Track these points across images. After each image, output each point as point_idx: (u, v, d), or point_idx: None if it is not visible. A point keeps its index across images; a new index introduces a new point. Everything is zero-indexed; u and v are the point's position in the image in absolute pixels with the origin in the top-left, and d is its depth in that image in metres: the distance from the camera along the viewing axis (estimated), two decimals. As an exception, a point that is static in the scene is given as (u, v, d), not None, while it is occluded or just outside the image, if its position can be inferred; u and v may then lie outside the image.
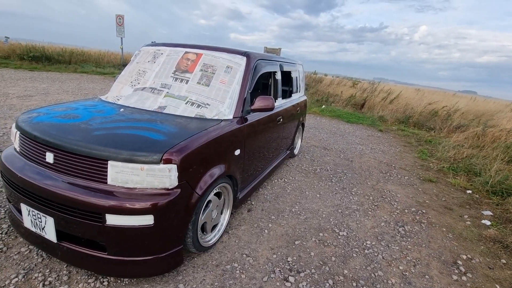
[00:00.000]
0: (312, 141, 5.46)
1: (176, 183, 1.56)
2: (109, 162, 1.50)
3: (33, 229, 1.68)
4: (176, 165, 1.53)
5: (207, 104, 2.17)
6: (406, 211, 2.98)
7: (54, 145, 1.60)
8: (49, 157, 1.62)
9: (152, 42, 2.87)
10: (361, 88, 13.44)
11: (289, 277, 1.85)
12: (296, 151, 4.37)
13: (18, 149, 1.85)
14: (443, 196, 3.47)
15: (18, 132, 1.83)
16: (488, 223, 2.82)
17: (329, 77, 17.88)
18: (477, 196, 3.53)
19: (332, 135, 6.19)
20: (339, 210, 2.84)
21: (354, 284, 1.87)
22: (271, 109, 2.41)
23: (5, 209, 2.22)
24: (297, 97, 4.02)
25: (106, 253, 1.56)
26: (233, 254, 2.01)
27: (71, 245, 1.60)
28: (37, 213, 1.61)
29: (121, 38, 17.86)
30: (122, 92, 2.42)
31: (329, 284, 1.83)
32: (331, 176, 3.75)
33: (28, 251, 1.85)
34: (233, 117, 2.16)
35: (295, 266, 1.96)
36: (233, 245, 2.12)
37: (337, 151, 4.98)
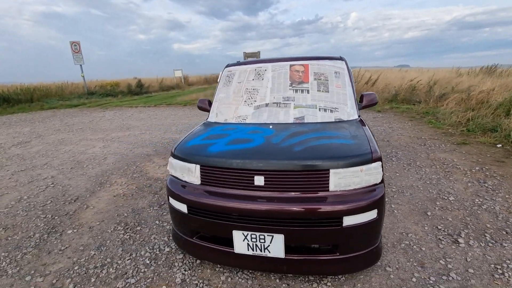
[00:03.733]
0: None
1: (381, 177, 1.75)
2: (330, 170, 1.64)
3: (249, 252, 1.74)
4: (381, 162, 1.73)
5: (335, 108, 2.37)
6: (474, 170, 3.48)
7: (264, 169, 1.69)
8: (259, 181, 1.71)
9: (237, 61, 2.97)
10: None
11: (458, 238, 2.15)
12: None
13: (198, 182, 1.87)
14: (486, 153, 4.07)
15: (198, 166, 1.85)
16: (539, 165, 3.44)
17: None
18: (509, 148, 4.21)
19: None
20: (427, 182, 3.22)
21: (504, 232, 2.23)
22: (376, 103, 2.69)
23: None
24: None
25: (337, 254, 1.70)
26: (387, 232, 2.26)
27: (299, 256, 1.71)
28: (259, 235, 1.69)
29: (81, 65, 16.79)
30: (240, 112, 2.50)
31: (486, 237, 2.17)
32: (389, 156, 4.15)
33: (229, 278, 1.89)
34: (357, 116, 2.40)
35: (449, 231, 2.27)
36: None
37: (368, 135, 5.44)
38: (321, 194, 1.66)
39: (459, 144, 4.57)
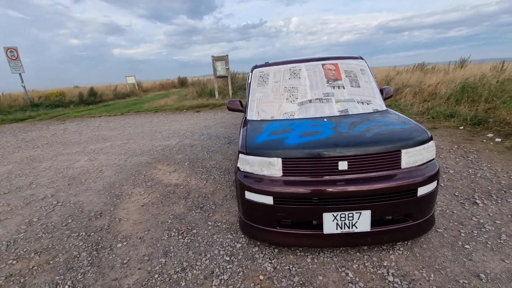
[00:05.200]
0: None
1: (435, 153, 2.10)
2: (402, 150, 1.94)
3: (337, 231, 1.93)
4: (433, 140, 2.09)
5: (369, 101, 2.70)
6: (454, 148, 4.19)
7: (347, 155, 1.90)
8: (343, 165, 1.92)
9: (266, 62, 3.11)
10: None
11: (476, 200, 2.66)
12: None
13: (280, 174, 1.99)
14: (455, 134, 4.89)
15: (280, 159, 1.98)
16: (499, 139, 4.30)
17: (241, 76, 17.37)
18: (469, 128, 5.12)
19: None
20: (425, 161, 3.79)
21: (503, 191, 2.81)
22: (392, 96, 3.11)
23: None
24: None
25: (410, 221, 1.99)
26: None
27: (382, 227, 1.96)
28: (348, 214, 1.89)
29: (20, 74, 14.87)
30: (285, 109, 2.66)
31: (493, 197, 2.71)
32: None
33: (314, 258, 2.05)
34: (385, 107, 2.77)
35: (465, 196, 2.78)
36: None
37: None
38: (395, 171, 1.94)
39: (430, 129, 5.39)
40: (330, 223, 1.92)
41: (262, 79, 2.96)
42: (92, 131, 7.99)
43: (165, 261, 2.16)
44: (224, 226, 2.58)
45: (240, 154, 2.16)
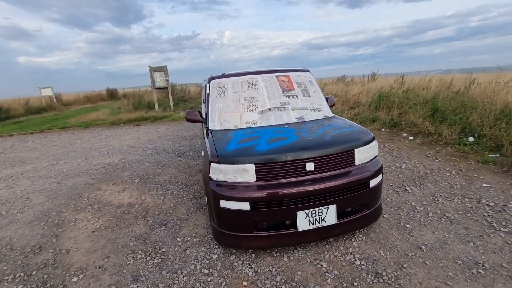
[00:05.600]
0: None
1: (377, 151, 2.50)
2: (355, 150, 2.26)
3: (310, 227, 2.12)
4: (375, 140, 2.49)
5: (319, 108, 3.04)
6: (381, 147, 4.95)
7: (313, 157, 2.12)
8: (310, 166, 2.13)
9: (222, 73, 3.18)
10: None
11: (406, 188, 3.21)
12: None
13: (254, 179, 2.08)
14: (379, 135, 5.78)
15: (253, 165, 2.07)
16: (411, 137, 5.27)
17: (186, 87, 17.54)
18: (389, 130, 6.12)
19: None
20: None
21: (423, 179, 3.47)
22: (335, 104, 3.54)
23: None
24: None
25: (365, 210, 2.31)
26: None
27: (345, 218, 2.21)
28: (317, 210, 2.10)
29: None
30: (247, 118, 2.78)
31: (417, 184, 3.33)
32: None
33: (290, 256, 2.18)
34: (332, 113, 3.15)
35: (397, 185, 3.33)
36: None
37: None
38: (351, 168, 2.24)
39: (361, 132, 6.24)
40: (303, 221, 2.09)
41: (221, 89, 3.02)
42: (4, 153, 6.66)
43: (137, 286, 1.98)
44: (195, 240, 2.51)
45: (211, 163, 2.17)
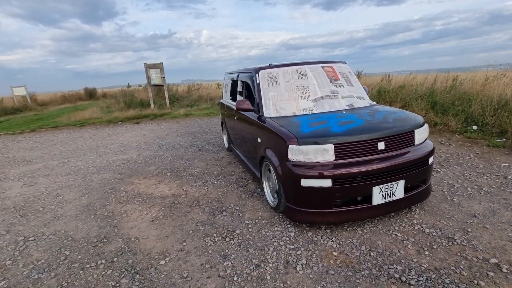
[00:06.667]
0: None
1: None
2: (415, 130, 2.48)
3: (382, 201, 2.31)
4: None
5: (363, 97, 3.25)
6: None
7: (382, 137, 2.30)
8: (381, 146, 2.31)
9: (269, 64, 3.29)
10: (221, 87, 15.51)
11: (437, 169, 3.52)
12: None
13: (333, 159, 2.23)
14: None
15: (333, 145, 2.22)
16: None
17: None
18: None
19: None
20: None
21: (444, 162, 3.81)
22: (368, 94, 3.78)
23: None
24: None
25: (424, 186, 2.54)
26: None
27: (410, 193, 2.42)
28: (389, 185, 2.29)
29: None
30: (303, 105, 2.91)
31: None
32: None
33: (364, 229, 2.35)
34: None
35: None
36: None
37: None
38: (412, 147, 2.46)
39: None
40: (377, 195, 2.27)
41: (272, 79, 3.13)
42: (1, 154, 6.21)
43: (231, 263, 2.05)
44: (263, 221, 2.60)
45: (290, 145, 2.28)
